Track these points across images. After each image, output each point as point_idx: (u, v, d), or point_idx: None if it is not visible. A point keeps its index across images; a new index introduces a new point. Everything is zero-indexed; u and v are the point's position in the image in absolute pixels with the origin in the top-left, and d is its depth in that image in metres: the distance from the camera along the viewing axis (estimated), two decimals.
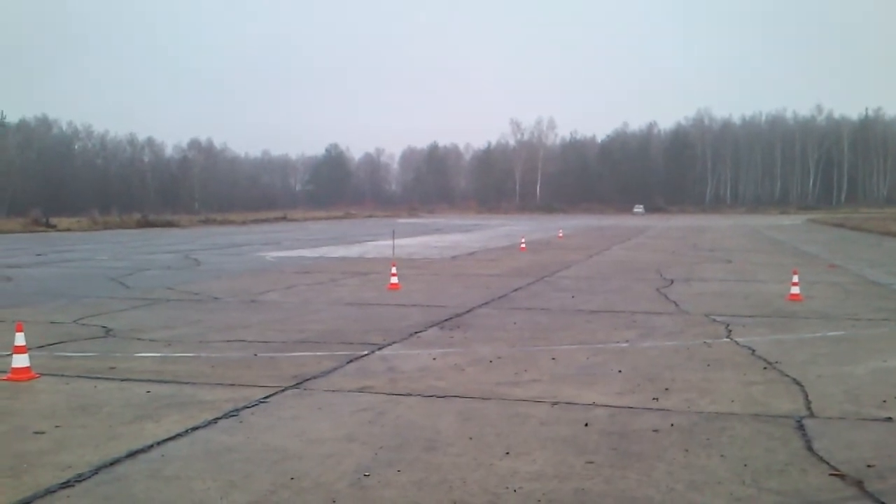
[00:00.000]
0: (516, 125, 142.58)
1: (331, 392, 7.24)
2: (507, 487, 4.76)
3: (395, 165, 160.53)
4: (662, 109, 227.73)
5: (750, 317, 11.83)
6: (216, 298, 14.40)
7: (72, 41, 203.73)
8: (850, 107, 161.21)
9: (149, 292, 15.40)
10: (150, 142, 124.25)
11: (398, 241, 32.00)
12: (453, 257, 25.51)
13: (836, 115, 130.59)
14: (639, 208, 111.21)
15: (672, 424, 6.08)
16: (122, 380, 7.75)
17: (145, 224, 58.88)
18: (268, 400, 6.94)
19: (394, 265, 17.06)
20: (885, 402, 6.75)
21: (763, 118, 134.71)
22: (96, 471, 5.10)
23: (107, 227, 55.96)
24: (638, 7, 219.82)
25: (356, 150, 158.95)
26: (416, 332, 10.56)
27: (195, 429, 6.05)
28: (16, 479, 4.94)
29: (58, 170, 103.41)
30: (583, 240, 37.62)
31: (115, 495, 4.69)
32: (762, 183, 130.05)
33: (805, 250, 28.44)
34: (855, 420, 6.23)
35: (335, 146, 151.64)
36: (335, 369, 8.24)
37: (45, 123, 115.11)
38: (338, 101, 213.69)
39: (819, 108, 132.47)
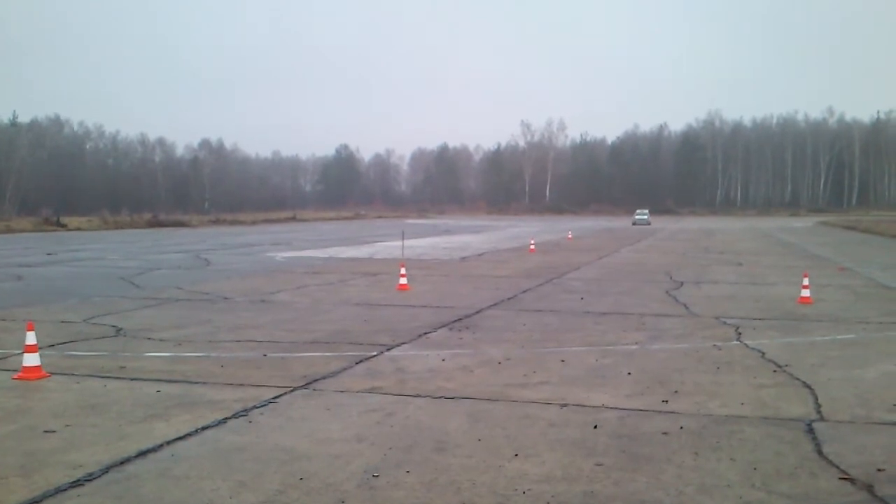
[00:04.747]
0: (526, 126, 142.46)
1: (340, 393, 7.26)
2: (516, 489, 4.76)
3: (404, 166, 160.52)
4: (673, 111, 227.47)
5: (760, 319, 11.79)
6: (226, 298, 14.44)
7: (84, 41, 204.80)
8: (861, 109, 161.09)
9: (159, 292, 15.46)
10: (160, 142, 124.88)
11: (407, 242, 31.99)
12: (462, 258, 25.51)
13: (848, 117, 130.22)
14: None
15: (682, 427, 6.06)
16: (132, 379, 7.78)
17: (156, 224, 59.20)
18: (277, 400, 6.96)
19: (403, 266, 17.07)
20: (895, 405, 6.72)
21: (774, 120, 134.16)
22: (106, 470, 5.12)
23: (117, 226, 56.23)
24: (649, 9, 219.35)
25: (366, 150, 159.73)
26: (424, 333, 10.56)
27: (205, 428, 6.07)
28: (26, 478, 4.97)
29: (69, 169, 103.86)
30: (592, 241, 37.56)
31: (125, 494, 4.71)
32: (773, 185, 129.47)
33: (815, 253, 28.32)
34: (865, 424, 6.20)
35: (345, 147, 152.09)
36: (344, 370, 8.25)
37: (56, 123, 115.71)
38: (348, 102, 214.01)
39: (830, 111, 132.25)
